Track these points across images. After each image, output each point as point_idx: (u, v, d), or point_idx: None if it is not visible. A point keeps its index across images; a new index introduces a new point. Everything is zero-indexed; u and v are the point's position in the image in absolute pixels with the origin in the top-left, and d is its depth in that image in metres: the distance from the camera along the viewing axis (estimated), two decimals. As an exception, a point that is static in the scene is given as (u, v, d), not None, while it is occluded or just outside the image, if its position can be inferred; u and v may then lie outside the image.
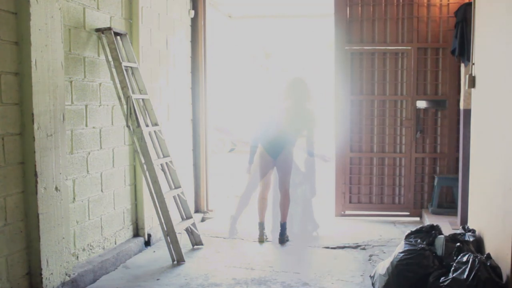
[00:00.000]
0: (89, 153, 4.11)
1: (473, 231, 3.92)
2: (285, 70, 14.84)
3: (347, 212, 6.20)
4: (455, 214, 5.44)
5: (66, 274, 3.66)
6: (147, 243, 4.90)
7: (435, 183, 5.83)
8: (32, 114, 3.31)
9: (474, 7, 4.31)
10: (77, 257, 3.96)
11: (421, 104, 5.97)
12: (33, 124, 3.32)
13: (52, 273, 3.51)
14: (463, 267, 3.19)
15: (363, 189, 6.16)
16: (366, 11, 5.97)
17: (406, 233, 3.91)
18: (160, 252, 4.71)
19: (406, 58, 5.97)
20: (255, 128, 5.42)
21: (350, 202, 6.19)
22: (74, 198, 3.93)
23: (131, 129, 4.36)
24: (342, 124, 6.07)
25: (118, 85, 4.28)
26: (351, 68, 6.04)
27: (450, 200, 5.94)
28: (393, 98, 6.03)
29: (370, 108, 6.08)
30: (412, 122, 5.96)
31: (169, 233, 4.42)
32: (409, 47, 5.92)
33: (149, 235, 4.93)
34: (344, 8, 5.97)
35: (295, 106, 5.23)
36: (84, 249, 4.06)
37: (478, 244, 3.78)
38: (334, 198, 6.21)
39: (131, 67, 4.49)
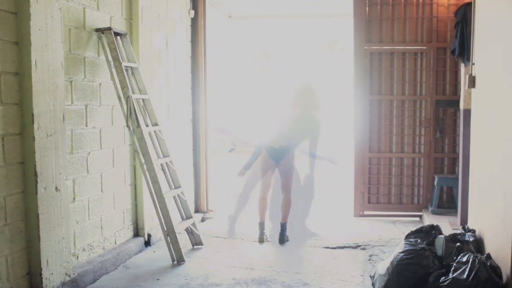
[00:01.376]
0: (89, 153, 4.11)
1: (473, 231, 3.92)
2: (285, 70, 14.83)
3: (366, 213, 6.18)
4: (455, 214, 5.44)
5: (66, 274, 3.66)
6: (147, 243, 4.90)
7: (435, 183, 5.83)
8: (32, 114, 3.31)
9: (474, 7, 4.31)
10: (77, 257, 3.96)
11: (441, 104, 5.95)
12: (33, 124, 3.31)
13: (52, 273, 3.51)
14: (463, 267, 3.19)
15: (381, 189, 6.16)
16: (385, 11, 5.98)
17: (406, 233, 3.91)
18: (160, 252, 4.71)
19: (426, 58, 5.96)
20: (260, 134, 5.44)
21: (369, 202, 6.18)
22: (74, 198, 3.93)
23: (131, 129, 4.36)
24: (361, 124, 6.07)
25: (118, 85, 4.28)
26: (370, 68, 6.04)
27: (450, 200, 5.94)
28: (412, 98, 6.02)
29: (389, 108, 6.07)
30: (432, 122, 5.96)
31: (169, 233, 4.42)
32: (429, 47, 5.91)
33: (149, 235, 4.93)
34: (363, 8, 5.97)
35: (302, 115, 5.28)
36: (84, 249, 4.06)
37: (478, 244, 3.78)
38: (353, 199, 6.19)
39: (131, 67, 4.49)
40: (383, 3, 5.96)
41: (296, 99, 5.36)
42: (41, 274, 3.41)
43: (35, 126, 3.33)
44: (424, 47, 5.95)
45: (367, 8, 5.98)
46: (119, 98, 4.32)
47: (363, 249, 4.86)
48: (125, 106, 4.30)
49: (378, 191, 6.17)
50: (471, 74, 4.32)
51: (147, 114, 4.67)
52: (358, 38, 6.01)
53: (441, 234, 3.78)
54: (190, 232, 4.90)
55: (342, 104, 13.01)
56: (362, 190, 6.16)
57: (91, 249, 4.15)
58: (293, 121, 5.29)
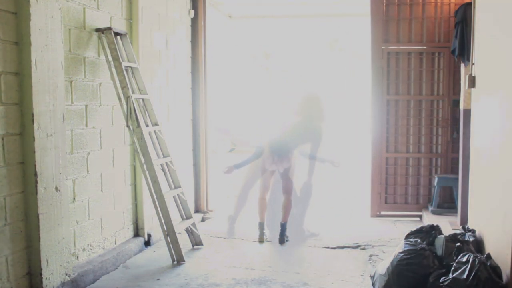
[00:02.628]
0: (89, 153, 4.11)
1: (473, 231, 3.92)
2: (286, 71, 14.82)
3: (383, 213, 6.18)
4: (455, 214, 5.44)
5: (66, 274, 3.66)
6: (147, 243, 4.90)
7: (435, 183, 5.83)
8: (32, 114, 3.31)
9: (474, 7, 4.31)
10: (77, 257, 3.96)
11: (458, 104, 5.92)
12: (33, 124, 3.32)
13: (52, 273, 3.51)
14: (463, 267, 3.19)
15: (398, 190, 6.15)
16: (403, 11, 5.97)
17: (406, 233, 3.92)
18: (160, 252, 4.71)
19: (443, 57, 5.95)
20: (261, 135, 5.45)
21: (385, 202, 6.17)
22: (74, 198, 3.93)
23: (131, 129, 4.36)
24: (378, 124, 6.07)
25: (118, 85, 4.28)
26: (387, 68, 6.03)
27: (450, 200, 5.94)
28: (429, 98, 6.01)
29: (406, 108, 6.07)
30: (449, 122, 5.96)
31: (169, 233, 4.42)
32: (446, 47, 5.90)
33: (149, 235, 4.93)
34: (381, 8, 5.97)
35: (305, 124, 5.30)
36: (84, 249, 4.06)
37: (478, 244, 3.78)
38: (370, 199, 6.19)
39: (131, 67, 4.49)
40: (401, 3, 5.95)
41: (300, 108, 5.38)
42: (41, 274, 3.41)
43: (35, 126, 3.33)
44: (442, 47, 5.94)
45: (384, 8, 5.97)
46: (119, 98, 4.32)
47: (363, 249, 4.86)
48: (125, 106, 4.30)
49: (395, 191, 6.16)
50: (471, 74, 4.32)
51: (147, 114, 4.68)
52: (375, 38, 6.00)
53: (441, 234, 3.78)
54: (190, 232, 4.90)
55: (348, 104, 13.05)
56: (379, 190, 6.14)
57: (91, 249, 4.15)
58: (295, 127, 5.32)
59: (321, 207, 6.49)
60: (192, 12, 6.03)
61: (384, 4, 5.97)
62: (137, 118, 4.32)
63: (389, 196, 6.17)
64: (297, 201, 5.37)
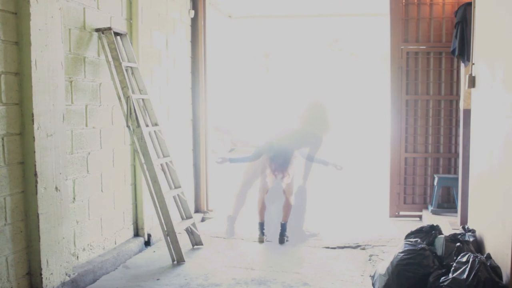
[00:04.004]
0: (89, 153, 4.11)
1: (473, 231, 3.92)
2: (286, 71, 14.82)
3: (402, 213, 6.16)
4: (455, 214, 5.44)
5: (66, 274, 3.66)
6: (147, 243, 4.90)
7: (435, 183, 5.83)
8: (32, 114, 3.31)
9: (474, 7, 4.31)
10: (77, 257, 3.96)
11: None
12: (33, 124, 3.32)
13: (52, 273, 3.51)
14: (463, 267, 3.19)
15: (417, 190, 6.14)
16: (422, 11, 5.95)
17: (406, 233, 3.92)
18: (160, 252, 4.71)
19: None
20: (261, 137, 5.46)
21: (404, 203, 6.16)
22: (74, 198, 3.93)
23: (131, 129, 4.36)
24: (397, 124, 6.05)
25: (118, 85, 4.28)
26: (406, 68, 6.02)
27: (450, 200, 5.93)
28: (448, 98, 6.00)
29: (425, 108, 6.05)
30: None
31: (169, 233, 4.42)
32: None
33: (149, 235, 4.93)
34: (401, 8, 5.95)
35: (306, 131, 5.30)
36: (84, 249, 4.06)
37: (478, 244, 3.78)
38: (388, 199, 6.17)
39: (131, 67, 4.49)
40: (420, 3, 5.94)
41: (303, 116, 5.37)
42: (41, 274, 3.41)
43: (35, 126, 3.33)
44: None
45: (404, 8, 5.95)
46: (119, 98, 4.32)
47: (363, 249, 4.86)
48: (125, 106, 4.30)
49: (413, 191, 6.15)
50: (471, 74, 4.32)
51: (147, 114, 4.68)
52: (395, 37, 5.99)
53: (441, 234, 3.78)
54: (190, 232, 4.90)
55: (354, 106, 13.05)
56: (397, 190, 6.13)
57: (91, 249, 4.15)
58: (295, 134, 5.33)
59: (330, 209, 6.51)
60: (192, 12, 6.03)
61: (404, 4, 5.95)
62: (137, 118, 4.32)
63: (407, 197, 6.15)
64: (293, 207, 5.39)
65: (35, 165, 3.34)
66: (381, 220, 6.04)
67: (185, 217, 4.93)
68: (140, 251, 4.76)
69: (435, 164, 6.08)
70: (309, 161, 5.37)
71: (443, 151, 6.06)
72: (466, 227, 4.05)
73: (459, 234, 3.80)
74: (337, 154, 6.03)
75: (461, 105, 5.12)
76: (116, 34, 4.32)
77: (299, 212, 5.41)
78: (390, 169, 6.13)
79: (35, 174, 3.35)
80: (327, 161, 5.47)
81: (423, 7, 5.96)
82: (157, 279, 4.03)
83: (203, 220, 6.15)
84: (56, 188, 3.55)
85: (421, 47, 5.99)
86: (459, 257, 3.32)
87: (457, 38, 4.98)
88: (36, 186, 3.35)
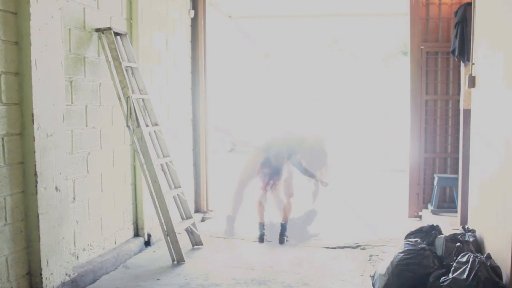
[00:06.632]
0: (89, 153, 4.11)
1: (473, 231, 3.92)
2: (286, 71, 14.83)
3: (421, 213, 6.11)
4: (455, 214, 5.44)
5: (66, 274, 3.66)
6: (147, 243, 4.90)
7: (435, 183, 5.83)
8: (32, 114, 3.31)
9: (474, 7, 4.31)
10: (77, 257, 3.96)
11: None
12: (33, 124, 3.31)
13: (52, 273, 3.51)
14: (463, 267, 3.19)
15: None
16: (443, 10, 5.91)
17: (406, 233, 3.92)
18: (160, 252, 4.71)
19: None
20: (260, 138, 5.49)
21: (424, 203, 6.12)
22: (74, 198, 3.92)
23: (131, 129, 4.35)
24: (416, 124, 6.01)
25: (118, 85, 4.28)
26: (426, 68, 5.99)
27: (450, 200, 5.93)
28: None
29: (444, 108, 6.01)
30: None
31: (169, 233, 4.42)
32: None
33: (149, 235, 4.93)
34: (421, 7, 5.92)
35: (304, 141, 5.45)
36: (84, 249, 4.06)
37: (478, 244, 3.78)
38: (408, 199, 6.13)
39: (131, 67, 4.49)
40: (442, 3, 5.89)
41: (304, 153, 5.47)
42: (41, 274, 3.41)
43: (35, 126, 3.33)
44: None
45: (424, 8, 5.92)
46: (119, 98, 4.32)
47: (363, 249, 4.86)
48: (125, 106, 4.30)
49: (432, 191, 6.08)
50: (471, 74, 4.32)
51: (147, 114, 4.68)
52: (415, 37, 5.95)
53: (441, 234, 3.78)
54: (190, 232, 4.90)
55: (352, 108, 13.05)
56: (417, 190, 6.09)
57: (91, 249, 4.15)
58: (291, 139, 5.41)
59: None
60: (192, 12, 6.03)
61: (424, 4, 5.92)
62: (137, 118, 4.32)
63: (427, 197, 6.09)
64: (299, 220, 5.41)
65: (35, 165, 3.34)
66: (399, 221, 5.99)
67: (185, 217, 4.92)
68: (140, 251, 4.76)
69: (454, 164, 5.99)
70: (300, 171, 5.41)
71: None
72: (466, 227, 4.05)
73: (459, 234, 3.80)
74: (325, 170, 6.00)
75: (461, 105, 5.12)
76: (116, 34, 4.32)
77: (303, 225, 5.43)
78: (409, 169, 6.09)
79: (35, 174, 3.35)
80: (313, 174, 5.52)
81: (443, 7, 5.90)
82: (157, 279, 4.03)
83: (203, 220, 6.15)
84: (56, 188, 3.55)
85: (441, 47, 5.93)
86: (459, 257, 3.32)
87: (457, 38, 4.98)
88: (36, 186, 3.35)
